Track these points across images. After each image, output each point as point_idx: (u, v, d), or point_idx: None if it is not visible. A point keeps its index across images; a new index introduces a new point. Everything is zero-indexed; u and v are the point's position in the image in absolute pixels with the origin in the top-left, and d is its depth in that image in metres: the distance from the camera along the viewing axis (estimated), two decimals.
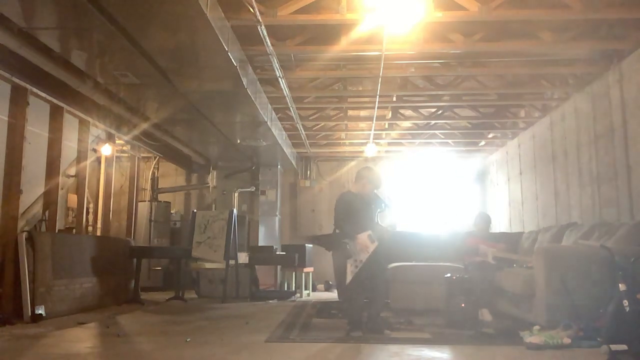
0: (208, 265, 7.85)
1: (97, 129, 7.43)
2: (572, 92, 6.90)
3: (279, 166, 10.50)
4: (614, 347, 3.24)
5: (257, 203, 10.25)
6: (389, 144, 10.47)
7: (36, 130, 5.95)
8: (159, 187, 10.73)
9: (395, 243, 5.88)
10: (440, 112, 8.66)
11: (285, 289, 8.41)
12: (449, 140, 10.16)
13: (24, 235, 5.09)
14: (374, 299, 4.63)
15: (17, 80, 5.27)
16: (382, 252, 4.71)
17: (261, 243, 9.85)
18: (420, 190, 11.15)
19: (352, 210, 4.71)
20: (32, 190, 6.16)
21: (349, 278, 4.51)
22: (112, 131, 7.53)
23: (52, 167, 6.17)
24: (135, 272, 7.11)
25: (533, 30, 5.44)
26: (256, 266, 7.93)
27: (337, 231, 4.69)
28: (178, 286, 7.35)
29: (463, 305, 4.69)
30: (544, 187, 7.87)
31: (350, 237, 4.55)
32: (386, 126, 9.38)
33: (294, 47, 5.67)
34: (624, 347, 3.23)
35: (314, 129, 9.55)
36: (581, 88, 6.60)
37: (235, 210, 7.80)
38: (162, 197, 10.58)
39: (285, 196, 11.29)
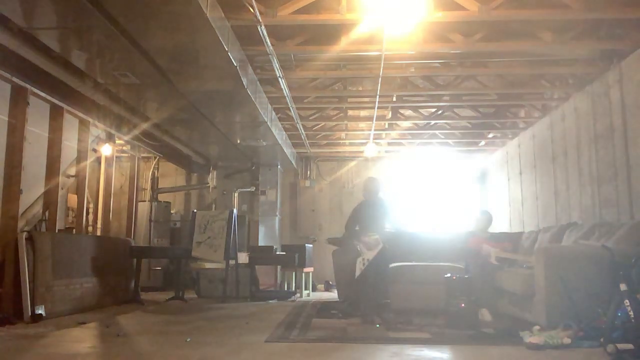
0: (208, 265, 7.85)
1: (97, 129, 7.43)
2: (572, 92, 6.90)
3: (279, 166, 10.50)
4: (620, 346, 3.24)
5: (257, 203, 10.25)
6: (389, 144, 10.47)
7: (36, 130, 5.94)
8: (159, 187, 10.73)
9: (396, 243, 5.95)
10: (440, 112, 8.66)
11: (285, 289, 8.41)
12: (449, 140, 10.16)
13: (24, 235, 5.08)
14: (375, 292, 5.38)
15: (17, 80, 5.27)
16: (384, 253, 5.46)
17: (261, 243, 9.85)
18: (420, 191, 11.16)
19: (361, 216, 5.80)
20: (32, 190, 6.15)
21: (357, 273, 5.37)
22: (112, 131, 7.53)
23: (52, 167, 6.17)
24: (135, 272, 7.11)
25: (533, 30, 5.44)
26: (256, 266, 7.93)
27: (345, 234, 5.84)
28: (178, 286, 7.35)
29: (463, 305, 4.69)
30: (544, 187, 7.87)
31: (358, 238, 5.51)
32: (386, 126, 9.38)
33: (294, 47, 5.67)
34: (629, 346, 3.23)
35: (314, 129, 9.55)
36: (581, 88, 6.60)
37: (235, 210, 7.80)
38: (162, 197, 10.57)
39: (285, 196, 11.29)
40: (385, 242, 5.55)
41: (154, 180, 10.65)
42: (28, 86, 5.42)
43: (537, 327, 3.93)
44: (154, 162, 10.55)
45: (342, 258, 6.24)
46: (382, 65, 5.98)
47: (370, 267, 5.36)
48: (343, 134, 10.02)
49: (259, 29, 4.92)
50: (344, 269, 5.93)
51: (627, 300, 3.42)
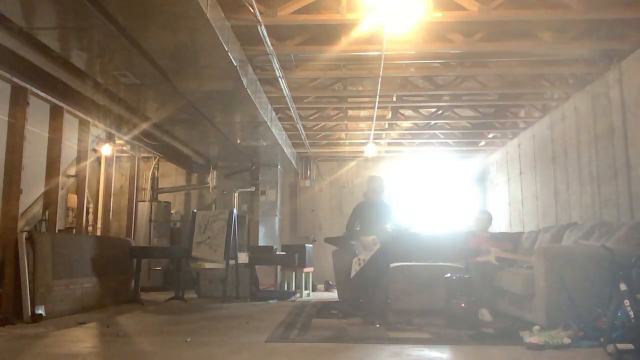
0: (208, 265, 7.85)
1: (97, 129, 7.43)
2: (572, 92, 6.90)
3: (279, 166, 10.50)
4: (620, 346, 3.24)
5: (257, 203, 10.25)
6: (389, 144, 10.47)
7: (36, 130, 5.95)
8: (159, 187, 10.73)
9: (397, 243, 5.94)
10: (440, 112, 8.66)
11: (285, 289, 8.41)
12: (449, 140, 10.16)
13: (24, 235, 5.08)
14: (377, 294, 5.33)
15: (17, 80, 5.27)
16: (385, 254, 5.42)
17: (261, 243, 9.85)
18: (420, 191, 11.16)
19: (361, 216, 5.66)
20: (32, 190, 6.16)
21: (352, 273, 5.34)
22: (112, 131, 7.53)
23: (52, 167, 6.17)
24: (135, 272, 7.11)
25: (533, 30, 5.45)
26: (256, 266, 7.93)
27: (346, 233, 5.75)
28: (178, 286, 7.35)
29: (463, 305, 4.69)
30: (544, 187, 7.87)
31: (356, 238, 5.46)
32: (386, 126, 9.38)
33: (294, 47, 5.67)
34: (629, 346, 3.23)
35: (314, 129, 9.55)
36: (581, 88, 6.60)
37: (235, 210, 7.80)
38: (162, 197, 10.58)
39: (285, 196, 11.29)
40: (386, 243, 5.52)
41: (154, 180, 10.65)
42: (28, 86, 5.42)
43: (537, 327, 3.93)
44: (154, 162, 10.55)
45: (342, 258, 6.24)
46: (382, 65, 5.98)
47: (368, 267, 5.35)
48: (343, 134, 10.03)
49: (259, 29, 4.92)
50: (344, 269, 5.93)
51: (627, 300, 3.42)
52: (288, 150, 9.66)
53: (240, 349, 3.63)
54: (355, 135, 9.99)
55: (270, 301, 7.31)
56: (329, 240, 6.96)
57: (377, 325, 4.73)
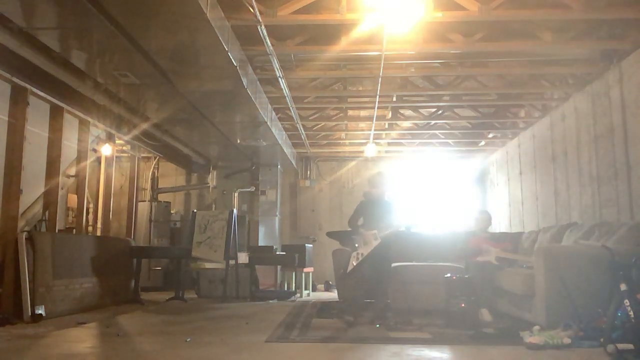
0: (208, 265, 7.85)
1: (97, 129, 7.44)
2: (572, 92, 6.90)
3: (279, 166, 10.50)
4: (620, 346, 3.24)
5: (257, 203, 10.25)
6: (389, 144, 10.48)
7: (36, 130, 5.95)
8: (159, 187, 10.74)
9: (400, 243, 5.91)
10: (440, 112, 8.66)
11: (285, 289, 8.41)
12: (449, 140, 10.16)
13: (24, 235, 5.08)
14: (377, 294, 5.24)
15: (17, 80, 5.27)
16: (386, 252, 5.30)
17: (261, 243, 9.85)
18: (420, 191, 11.16)
19: (365, 212, 5.52)
20: (32, 190, 6.16)
21: (349, 268, 5.25)
22: (112, 131, 7.53)
23: (52, 167, 6.18)
24: (135, 272, 7.11)
25: (533, 30, 5.45)
26: (256, 266, 7.93)
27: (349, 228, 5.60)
28: (178, 286, 7.35)
29: (463, 305, 4.69)
30: (544, 187, 7.87)
31: (357, 233, 5.35)
32: (386, 126, 9.38)
33: (294, 47, 5.67)
34: (630, 346, 3.23)
35: (314, 129, 9.55)
36: (581, 88, 6.60)
37: (235, 210, 7.80)
38: (162, 197, 10.58)
39: (285, 196, 11.29)
40: (389, 241, 5.44)
41: (154, 180, 10.66)
42: (28, 86, 5.42)
43: (537, 327, 3.93)
44: (154, 162, 10.56)
45: (342, 258, 6.23)
46: (382, 65, 5.98)
47: (366, 263, 5.27)
48: (343, 134, 10.03)
49: (259, 29, 4.93)
50: (344, 268, 5.91)
51: (627, 300, 3.42)
52: (288, 150, 9.66)
53: (240, 349, 3.63)
54: (355, 135, 10.00)
55: (270, 301, 7.31)
56: (331, 234, 6.92)
57: (377, 325, 4.73)
